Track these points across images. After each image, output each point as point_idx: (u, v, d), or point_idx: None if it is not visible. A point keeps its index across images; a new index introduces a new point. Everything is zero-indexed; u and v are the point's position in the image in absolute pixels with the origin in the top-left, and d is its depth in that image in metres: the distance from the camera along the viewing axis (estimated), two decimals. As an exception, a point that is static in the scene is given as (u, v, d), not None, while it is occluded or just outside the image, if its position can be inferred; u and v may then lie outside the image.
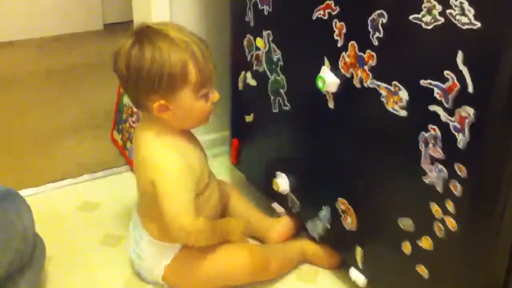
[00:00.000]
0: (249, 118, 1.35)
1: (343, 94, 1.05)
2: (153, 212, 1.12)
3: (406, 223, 1.00)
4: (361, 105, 1.02)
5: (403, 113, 0.94)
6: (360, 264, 1.13)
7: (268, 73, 1.23)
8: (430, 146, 0.91)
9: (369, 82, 0.98)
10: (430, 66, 0.87)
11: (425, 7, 0.85)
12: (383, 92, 0.96)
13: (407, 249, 1.01)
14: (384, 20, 0.92)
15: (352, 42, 0.99)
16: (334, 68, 1.04)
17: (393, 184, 1.01)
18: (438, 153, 0.90)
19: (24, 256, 1.05)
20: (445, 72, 0.84)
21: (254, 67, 1.27)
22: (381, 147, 1.01)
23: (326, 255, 1.26)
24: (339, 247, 1.21)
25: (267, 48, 1.21)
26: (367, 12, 0.94)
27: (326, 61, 1.06)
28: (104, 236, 1.35)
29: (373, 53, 0.96)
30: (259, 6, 1.20)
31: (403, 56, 0.92)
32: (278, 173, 1.29)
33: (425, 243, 0.97)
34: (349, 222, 1.13)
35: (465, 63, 0.82)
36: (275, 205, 1.36)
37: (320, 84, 1.06)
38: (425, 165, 0.92)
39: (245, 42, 1.28)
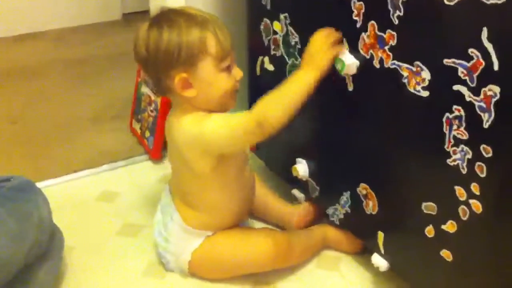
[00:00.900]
0: (267, 104, 1.32)
1: (362, 76, 1.03)
2: (191, 197, 1.15)
3: (429, 207, 0.97)
4: (382, 87, 1.00)
5: (426, 94, 0.91)
6: (382, 249, 1.11)
7: (286, 58, 1.21)
8: (454, 127, 0.88)
9: (390, 63, 0.96)
10: (454, 44, 0.84)
11: (447, -18, 0.82)
12: (405, 73, 0.94)
13: (430, 233, 0.98)
14: (405, -2, 0.90)
15: (372, 22, 0.97)
16: (354, 50, 1.02)
17: (416, 167, 0.98)
18: (463, 134, 0.87)
19: (42, 246, 1.05)
20: (470, 50, 0.82)
21: (272, 52, 1.25)
22: (403, 130, 0.99)
23: (347, 241, 1.24)
24: (360, 232, 1.19)
25: (284, 32, 1.19)
26: (387, -10, 0.92)
27: (345, 43, 1.03)
28: (123, 225, 1.34)
29: (394, 33, 0.93)
30: (276, -11, 1.18)
31: (425, 35, 0.89)
32: (298, 159, 1.27)
33: (449, 226, 0.95)
34: (371, 207, 1.11)
35: (490, 40, 0.79)
36: (295, 191, 1.34)
37: (339, 66, 1.04)
38: (449, 147, 0.90)
39: (262, 26, 1.26)
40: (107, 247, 1.28)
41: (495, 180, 0.86)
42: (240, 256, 1.15)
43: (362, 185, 1.11)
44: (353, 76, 1.04)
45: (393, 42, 0.94)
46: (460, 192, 0.91)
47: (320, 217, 1.30)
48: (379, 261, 1.12)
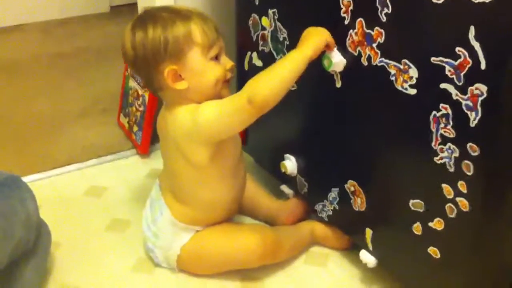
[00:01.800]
0: (256, 100, 1.32)
1: (351, 74, 1.03)
2: (184, 192, 1.14)
3: (417, 205, 0.98)
4: (370, 84, 1.00)
5: (413, 91, 0.91)
6: (370, 246, 1.12)
7: (274, 53, 1.21)
8: (441, 126, 0.88)
9: (378, 61, 0.96)
10: (441, 43, 0.84)
11: (435, -19, 0.82)
12: (392, 71, 0.94)
13: (418, 231, 0.99)
14: (393, -4, 0.89)
15: (360, 19, 0.96)
16: (341, 47, 1.01)
17: (403, 165, 0.99)
18: (450, 133, 0.87)
19: (28, 243, 1.05)
20: (457, 48, 0.82)
21: (260, 47, 1.25)
22: (391, 127, 0.99)
23: (335, 237, 1.24)
24: (348, 229, 1.19)
25: (272, 27, 1.19)
26: (375, -13, 0.91)
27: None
28: (111, 221, 1.34)
29: (382, 30, 0.93)
30: (264, -16, 1.17)
31: (413, 33, 0.89)
32: (286, 155, 1.27)
33: (437, 224, 0.95)
34: (359, 204, 1.11)
35: (477, 38, 0.79)
36: (284, 187, 1.34)
37: (325, 63, 1.03)
38: (436, 145, 0.90)
39: (250, 22, 1.25)
40: (95, 242, 1.28)
41: (482, 179, 0.86)
42: (228, 252, 1.15)
43: (350, 182, 1.12)
44: (341, 73, 1.04)
45: (381, 40, 0.94)
46: (447, 190, 0.91)
47: (309, 213, 1.30)
48: (367, 258, 1.13)
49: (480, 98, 0.81)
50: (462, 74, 0.82)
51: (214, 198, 1.15)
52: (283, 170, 1.26)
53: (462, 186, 0.88)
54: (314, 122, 1.18)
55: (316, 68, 1.06)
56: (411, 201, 0.98)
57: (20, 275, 1.04)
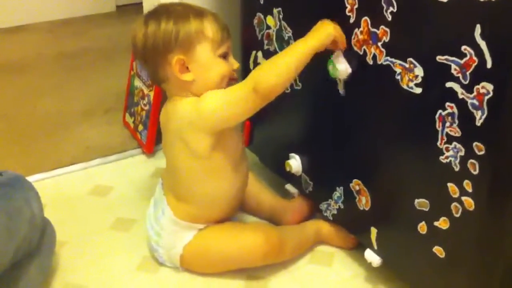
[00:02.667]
0: (260, 99, 1.32)
1: (356, 73, 1.02)
2: (183, 189, 1.14)
3: (422, 204, 0.97)
4: (375, 83, 0.99)
5: (419, 90, 0.91)
6: (375, 245, 1.12)
7: (279, 52, 1.20)
8: (447, 125, 0.88)
9: (383, 60, 0.95)
10: (447, 41, 0.84)
11: (440, -21, 0.82)
12: (398, 70, 0.93)
13: (423, 230, 0.99)
14: (398, -6, 0.89)
15: (365, 18, 0.96)
16: (347, 46, 1.01)
17: (409, 164, 0.98)
18: (456, 132, 0.87)
19: (32, 242, 1.05)
20: (463, 47, 0.81)
21: (265, 46, 1.25)
22: (396, 126, 0.99)
23: (341, 236, 1.24)
24: (353, 228, 1.19)
25: (277, 26, 1.19)
26: (380, -14, 0.91)
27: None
28: (116, 220, 1.34)
29: (387, 29, 0.93)
30: (269, -17, 1.17)
31: (418, 32, 0.89)
32: (291, 154, 1.27)
33: (442, 223, 0.95)
34: (364, 203, 1.11)
35: (483, 37, 0.78)
36: (289, 186, 1.34)
37: (330, 69, 1.04)
38: (441, 144, 0.90)
39: (255, 21, 1.25)
40: (100, 241, 1.28)
41: (488, 178, 0.86)
42: (232, 251, 1.15)
43: (355, 181, 1.11)
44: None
45: (386, 39, 0.94)
46: (452, 189, 0.91)
47: (313, 213, 1.30)
48: (372, 257, 1.13)
49: (486, 97, 0.81)
50: (468, 72, 0.82)
51: (215, 193, 1.15)
52: (288, 169, 1.26)
53: (467, 185, 0.88)
54: (319, 121, 1.18)
55: (321, 67, 1.06)
56: (416, 200, 0.98)
57: (24, 274, 1.04)
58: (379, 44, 0.95)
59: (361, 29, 0.98)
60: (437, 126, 0.89)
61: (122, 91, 1.71)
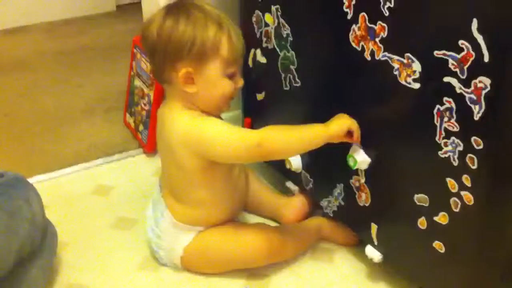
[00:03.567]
0: (260, 97, 1.32)
1: (354, 68, 1.02)
2: (180, 192, 1.14)
3: (421, 199, 0.97)
4: (373, 79, 0.99)
5: (417, 86, 0.91)
6: (375, 241, 1.12)
7: (278, 50, 1.20)
8: (445, 119, 0.88)
9: (381, 55, 0.95)
10: (444, 36, 0.84)
11: (437, -26, 0.81)
12: (396, 65, 0.93)
13: (423, 225, 0.99)
14: (395, -10, 0.89)
15: (362, 13, 0.96)
16: (345, 42, 1.01)
17: (408, 159, 0.98)
18: (454, 126, 0.87)
19: (34, 243, 1.05)
20: (460, 41, 0.81)
21: (264, 44, 1.25)
22: (395, 122, 0.99)
23: (342, 233, 1.24)
24: (354, 224, 1.19)
25: (276, 24, 1.19)
26: (377, -19, 0.91)
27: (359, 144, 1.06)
28: (118, 219, 1.34)
29: (384, 25, 0.93)
30: (267, -19, 1.17)
31: (416, 27, 0.89)
32: (291, 151, 1.26)
33: (442, 218, 0.95)
34: (364, 199, 1.11)
35: (480, 31, 0.78)
36: (289, 184, 1.34)
37: (351, 162, 1.06)
38: (440, 139, 0.90)
39: (254, 19, 1.25)
40: (101, 241, 1.28)
41: (486, 172, 0.86)
42: (232, 252, 1.15)
43: (355, 177, 1.11)
44: (346, 68, 1.04)
45: (384, 34, 0.94)
46: (451, 184, 0.91)
47: (314, 209, 1.30)
48: (373, 253, 1.13)
49: (484, 91, 0.80)
50: (465, 67, 0.82)
51: (208, 199, 1.14)
52: (288, 166, 1.26)
53: (466, 180, 0.88)
54: (318, 118, 1.18)
55: (319, 63, 1.06)
56: (416, 196, 0.98)
57: (26, 275, 1.05)
58: (377, 39, 0.95)
59: (358, 25, 0.98)
60: (435, 121, 0.89)
61: (123, 90, 1.71)
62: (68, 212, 1.36)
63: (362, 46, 0.98)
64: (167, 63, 1.05)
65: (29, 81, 1.99)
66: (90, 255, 1.24)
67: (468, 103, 0.83)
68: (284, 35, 1.17)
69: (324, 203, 1.23)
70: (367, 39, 0.97)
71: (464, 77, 0.82)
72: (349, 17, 0.99)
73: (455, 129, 0.87)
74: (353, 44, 1.00)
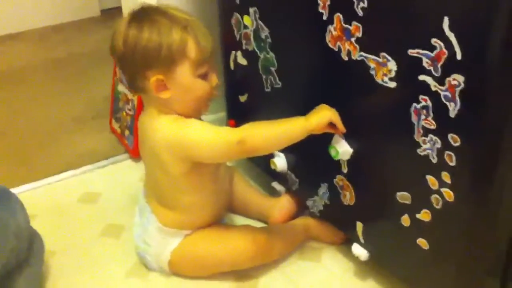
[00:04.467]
0: (243, 98, 1.32)
1: (332, 69, 1.02)
2: (166, 198, 1.14)
3: (404, 197, 0.98)
4: (351, 79, 0.99)
5: (393, 84, 0.91)
6: (361, 239, 1.12)
7: (258, 52, 1.20)
8: (422, 117, 0.88)
9: (357, 55, 0.95)
10: (417, 35, 0.84)
11: (407, -27, 0.81)
12: (372, 64, 0.93)
13: (406, 223, 0.99)
14: (368, -11, 0.89)
15: (337, 14, 0.96)
16: (321, 43, 1.01)
17: (388, 158, 0.99)
18: (431, 124, 0.87)
19: (20, 254, 1.05)
20: (433, 40, 0.81)
21: (244, 46, 1.25)
22: (373, 121, 0.99)
23: (329, 232, 1.24)
24: (340, 223, 1.20)
25: (254, 26, 1.18)
26: (350, -18, 0.91)
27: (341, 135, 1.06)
28: (106, 226, 1.34)
29: (359, 25, 0.93)
30: (244, -17, 1.17)
31: (389, 26, 0.89)
32: (276, 152, 1.26)
33: (424, 215, 0.95)
34: (348, 198, 1.11)
35: (452, 29, 0.78)
36: (275, 184, 1.34)
37: (332, 153, 1.06)
38: (418, 137, 0.90)
39: (233, 21, 1.25)
40: (90, 249, 1.28)
41: (465, 168, 0.86)
42: (220, 255, 1.15)
43: (339, 176, 1.12)
44: (324, 69, 1.04)
45: (359, 34, 0.94)
46: (432, 181, 0.91)
47: (301, 209, 1.30)
48: (359, 251, 1.13)
49: (458, 89, 0.81)
50: (439, 65, 0.82)
51: (195, 202, 1.15)
52: (273, 167, 1.26)
53: (446, 176, 0.88)
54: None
55: (299, 64, 1.06)
56: (398, 194, 0.98)
57: (14, 286, 1.05)
58: (353, 40, 0.95)
59: (334, 25, 0.98)
60: (413, 119, 0.90)
61: (109, 96, 1.71)
62: (56, 220, 1.36)
63: (339, 46, 0.98)
64: (137, 72, 1.05)
65: (16, 90, 1.98)
66: (79, 263, 1.24)
67: (444, 100, 0.83)
68: (263, 37, 1.17)
69: (310, 202, 1.23)
70: (343, 39, 0.97)
71: (438, 75, 0.83)
72: (324, 17, 0.99)
73: (432, 127, 0.87)
74: (330, 45, 1.00)
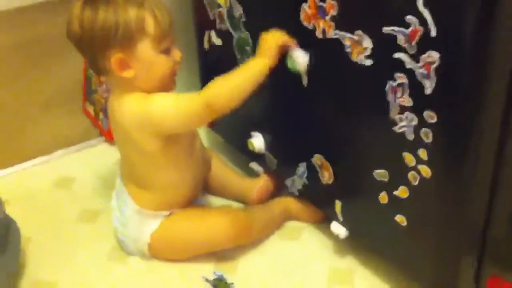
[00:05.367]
0: (218, 79, 1.31)
1: (308, 48, 1.02)
2: (142, 177, 1.13)
3: (381, 174, 0.98)
4: (327, 57, 0.99)
5: (369, 62, 0.90)
6: (340, 217, 1.12)
7: (232, 31, 1.19)
8: (398, 95, 0.88)
9: (332, 33, 0.94)
10: (392, 12, 0.84)
11: (381, -52, 0.80)
12: (347, 43, 0.93)
13: (384, 200, 0.99)
14: (341, -34, 0.88)
15: (312, -9, 0.95)
16: (296, 21, 1.00)
17: (365, 136, 0.99)
18: (407, 101, 0.87)
19: (-4, 241, 1.03)
20: (407, 17, 0.81)
21: (218, 26, 1.23)
22: (350, 100, 0.99)
23: (309, 211, 1.25)
24: (318, 202, 1.20)
25: (228, 4, 1.16)
26: (324, -42, 0.90)
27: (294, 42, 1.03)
28: (82, 211, 1.32)
29: (334, 2, 0.92)
30: (216, -40, 1.15)
31: (364, 3, 0.88)
32: (253, 133, 1.26)
33: (401, 192, 0.95)
34: (326, 177, 1.11)
35: (425, 5, 0.78)
36: (253, 165, 1.34)
37: (289, 65, 1.04)
38: (394, 114, 0.90)
39: (206, 1, 1.23)
40: (67, 235, 1.26)
41: (441, 145, 0.86)
42: (199, 236, 1.15)
43: (316, 156, 1.11)
44: (299, 47, 1.03)
45: (334, 12, 0.93)
46: (408, 158, 0.91)
47: (280, 189, 1.30)
48: (338, 229, 1.13)
49: (433, 66, 0.80)
50: (413, 42, 0.81)
51: (173, 180, 1.14)
52: (250, 148, 1.26)
53: (422, 153, 0.89)
54: (278, 99, 1.17)
55: (278, 61, 1.05)
56: (375, 171, 0.98)
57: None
58: (327, 18, 0.94)
59: (308, 3, 0.96)
60: (389, 97, 0.89)
61: (81, 79, 1.67)
62: (30, 206, 1.34)
63: (313, 24, 0.97)
64: (97, 54, 1.03)
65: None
66: (56, 249, 1.22)
67: (419, 78, 0.83)
68: (237, 16, 1.15)
69: (288, 182, 1.23)
70: (317, 17, 0.96)
71: (413, 52, 0.82)
72: (299, -5, 0.98)
73: (409, 104, 0.87)
74: (305, 23, 0.99)
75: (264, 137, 1.24)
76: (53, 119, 1.65)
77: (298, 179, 1.20)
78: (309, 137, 1.12)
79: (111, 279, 1.16)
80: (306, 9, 0.97)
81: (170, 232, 1.15)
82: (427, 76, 0.82)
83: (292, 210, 1.26)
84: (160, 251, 1.17)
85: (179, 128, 1.07)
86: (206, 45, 1.29)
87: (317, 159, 1.11)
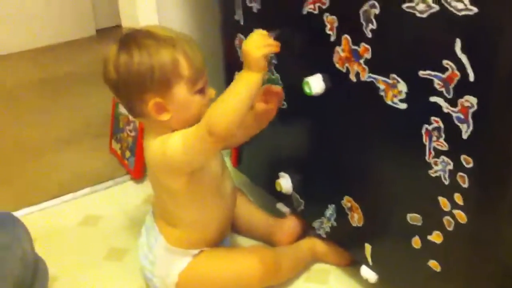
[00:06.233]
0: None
1: (341, 91, 1.02)
2: (171, 215, 1.13)
3: (414, 218, 0.97)
4: (360, 100, 0.99)
5: (404, 106, 0.91)
6: (370, 261, 1.11)
7: (262, 73, 1.20)
8: (434, 139, 0.87)
9: (366, 76, 0.95)
10: (428, 56, 0.84)
11: (418, -5, 0.81)
12: (381, 86, 0.93)
13: (417, 244, 0.98)
14: (377, 11, 0.89)
15: (345, 35, 0.96)
16: (329, 64, 1.01)
17: (399, 179, 0.98)
18: (443, 145, 0.87)
19: (26, 281, 1.03)
20: (444, 61, 0.81)
21: (248, 67, 1.24)
22: (384, 142, 0.98)
23: (336, 253, 1.23)
24: (347, 245, 1.18)
25: (259, 47, 1.18)
26: (358, 3, 0.91)
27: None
28: (109, 250, 1.32)
29: (368, 46, 0.93)
30: (248, 3, 1.17)
31: (399, 47, 0.88)
32: (281, 173, 1.26)
33: (435, 237, 0.94)
34: (356, 219, 1.10)
35: (464, 51, 0.78)
36: (280, 205, 1.33)
37: (306, 89, 1.04)
38: (430, 158, 0.89)
39: (236, 42, 1.25)
40: (93, 273, 1.26)
41: (478, 190, 0.85)
42: (228, 276, 1.14)
43: (346, 197, 1.11)
44: (332, 90, 1.03)
45: (368, 56, 0.93)
46: (443, 202, 0.90)
47: (307, 231, 1.29)
48: (368, 273, 1.12)
49: (471, 110, 0.80)
50: (451, 86, 0.82)
51: (200, 218, 1.14)
52: (278, 189, 1.25)
53: (458, 198, 0.88)
54: (307, 140, 1.18)
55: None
56: (409, 215, 0.97)
57: (18, 314, 1.03)
58: (361, 61, 0.95)
59: (342, 47, 0.97)
60: (424, 141, 0.89)
61: (108, 116, 1.69)
62: (57, 244, 1.34)
63: (347, 67, 0.98)
64: (134, 99, 1.04)
65: (12, 111, 1.96)
66: (83, 288, 1.22)
67: (456, 122, 0.83)
68: (268, 58, 1.16)
69: (316, 224, 1.22)
70: (351, 60, 0.97)
71: (450, 96, 0.82)
72: (332, 39, 0.99)
73: (444, 148, 0.87)
74: (338, 66, 1.00)
75: (292, 177, 1.24)
76: (79, 156, 1.68)
77: (326, 221, 1.19)
78: (339, 178, 1.12)
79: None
80: (340, 52, 0.98)
81: (199, 272, 1.15)
82: (463, 121, 0.82)
83: (318, 252, 1.24)
84: (188, 291, 1.16)
85: (192, 162, 1.06)
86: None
87: (347, 200, 1.11)
